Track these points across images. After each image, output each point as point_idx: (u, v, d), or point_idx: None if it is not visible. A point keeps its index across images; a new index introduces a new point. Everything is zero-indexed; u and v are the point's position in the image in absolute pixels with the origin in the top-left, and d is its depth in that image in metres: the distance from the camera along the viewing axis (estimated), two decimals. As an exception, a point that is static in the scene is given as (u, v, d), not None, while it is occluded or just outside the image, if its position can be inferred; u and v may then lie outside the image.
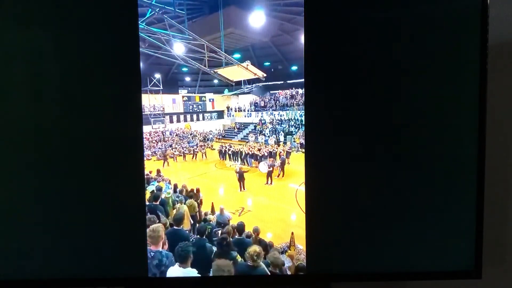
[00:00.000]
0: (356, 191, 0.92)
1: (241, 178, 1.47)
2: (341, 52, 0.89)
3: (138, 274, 0.95)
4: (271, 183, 1.58)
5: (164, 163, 1.64)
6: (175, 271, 0.96)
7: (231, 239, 1.04)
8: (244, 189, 1.47)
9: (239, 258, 0.99)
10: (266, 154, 1.80)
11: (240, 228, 1.10)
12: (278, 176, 1.62)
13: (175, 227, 1.06)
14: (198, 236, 1.05)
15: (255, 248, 0.97)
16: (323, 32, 0.89)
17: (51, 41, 0.88)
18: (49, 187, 0.92)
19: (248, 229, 1.10)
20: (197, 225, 1.15)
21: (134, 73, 0.90)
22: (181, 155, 1.85)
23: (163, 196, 1.19)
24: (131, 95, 0.91)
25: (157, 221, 1.01)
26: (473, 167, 0.91)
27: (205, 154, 1.95)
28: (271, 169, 1.61)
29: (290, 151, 1.84)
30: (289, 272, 0.99)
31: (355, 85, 0.90)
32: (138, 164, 0.92)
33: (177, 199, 1.25)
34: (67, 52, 0.89)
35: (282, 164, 1.68)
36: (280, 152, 1.81)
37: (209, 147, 1.99)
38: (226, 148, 1.99)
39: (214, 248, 1.02)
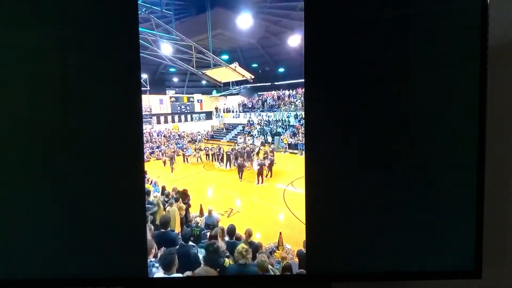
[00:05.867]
0: (356, 191, 0.92)
1: (240, 170, 1.60)
2: (340, 52, 0.89)
3: (138, 274, 0.94)
4: (262, 182, 1.59)
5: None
6: (160, 278, 0.95)
7: (222, 242, 1.03)
8: (241, 179, 1.61)
9: (227, 264, 0.99)
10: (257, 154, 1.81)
11: (231, 231, 1.10)
12: (266, 177, 1.63)
13: (162, 230, 1.05)
14: (183, 242, 1.03)
15: (242, 245, 0.97)
16: (323, 31, 0.88)
17: (52, 40, 0.87)
18: (48, 187, 0.90)
19: (238, 230, 1.10)
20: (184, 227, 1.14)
21: (134, 73, 0.89)
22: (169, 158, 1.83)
23: (151, 198, 1.17)
24: (130, 95, 0.89)
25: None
26: (473, 167, 0.90)
27: (200, 158, 1.97)
28: (259, 167, 1.62)
29: (273, 151, 1.87)
30: (277, 273, 1.00)
31: (354, 85, 0.90)
32: (138, 164, 0.91)
33: (166, 201, 1.23)
34: (67, 52, 0.87)
35: (270, 164, 1.69)
36: (270, 152, 1.83)
37: (198, 148, 1.98)
38: (211, 150, 1.99)
39: (200, 254, 1.01)
